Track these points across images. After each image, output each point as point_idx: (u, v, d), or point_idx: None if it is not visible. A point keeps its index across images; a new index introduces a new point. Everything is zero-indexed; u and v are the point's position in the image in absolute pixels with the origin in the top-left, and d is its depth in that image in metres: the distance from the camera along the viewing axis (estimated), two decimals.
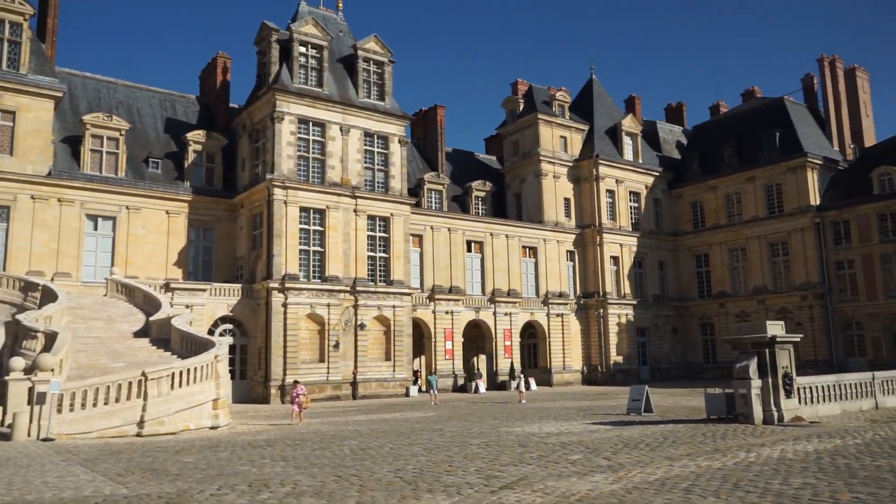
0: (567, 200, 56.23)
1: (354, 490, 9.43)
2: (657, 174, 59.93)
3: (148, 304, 33.94)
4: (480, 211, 53.89)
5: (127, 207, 40.37)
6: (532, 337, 53.71)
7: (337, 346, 40.76)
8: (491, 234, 51.72)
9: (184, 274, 41.44)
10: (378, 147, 44.93)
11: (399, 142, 45.69)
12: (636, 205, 58.55)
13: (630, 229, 57.19)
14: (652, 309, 56.83)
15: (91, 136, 40.43)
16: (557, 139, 56.57)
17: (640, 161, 59.15)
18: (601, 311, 54.30)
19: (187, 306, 36.52)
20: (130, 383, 19.33)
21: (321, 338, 40.72)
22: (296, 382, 25.63)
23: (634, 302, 55.73)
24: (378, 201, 43.82)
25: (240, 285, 40.59)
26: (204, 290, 38.97)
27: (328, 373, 40.30)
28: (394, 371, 42.77)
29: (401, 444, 15.39)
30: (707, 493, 8.60)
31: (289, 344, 39.12)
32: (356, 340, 41.65)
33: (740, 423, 17.23)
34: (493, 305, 50.37)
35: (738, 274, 55.82)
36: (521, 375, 40.50)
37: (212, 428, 21.02)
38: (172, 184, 42.58)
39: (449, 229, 49.72)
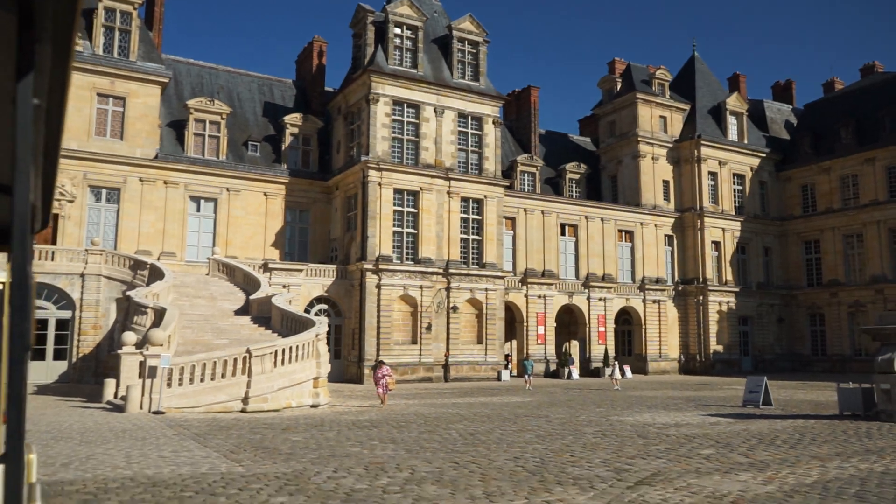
0: (666, 183, 53.97)
1: (476, 478, 8.84)
2: (763, 155, 56.68)
3: (247, 283, 34.64)
4: (574, 193, 52.44)
5: (227, 189, 41.31)
6: (627, 323, 52.02)
7: (429, 328, 40.56)
8: (585, 218, 50.25)
9: (280, 254, 42.15)
10: (472, 128, 44.24)
11: (493, 123, 44.84)
12: (740, 188, 55.59)
13: (733, 213, 54.36)
14: (755, 297, 53.96)
15: (194, 121, 41.50)
16: (657, 119, 54.28)
17: (746, 142, 56.07)
18: (701, 298, 51.96)
19: (284, 286, 37.08)
20: (236, 360, 19.50)
21: (413, 319, 40.61)
22: (380, 363, 24.29)
23: (737, 289, 53.04)
24: (471, 183, 43.18)
25: (334, 266, 40.95)
26: (300, 270, 39.50)
27: (420, 354, 40.17)
28: (486, 355, 42.23)
29: (509, 429, 14.76)
30: (885, 501, 7.53)
31: (382, 325, 39.19)
32: (448, 323, 41.32)
33: (883, 422, 15.67)
34: (586, 290, 49.01)
35: (853, 261, 52.18)
36: (616, 362, 39.17)
37: (312, 406, 21.03)
38: (270, 166, 43.30)
39: (542, 212, 48.60)
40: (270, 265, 38.78)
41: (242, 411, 19.09)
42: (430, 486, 8.32)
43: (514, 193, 47.38)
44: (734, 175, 55.22)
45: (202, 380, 19.03)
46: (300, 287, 38.86)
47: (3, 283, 4.45)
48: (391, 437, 13.38)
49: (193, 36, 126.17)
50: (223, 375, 19.24)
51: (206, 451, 11.03)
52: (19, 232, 1.46)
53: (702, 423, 15.93)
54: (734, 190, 55.10)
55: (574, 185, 52.93)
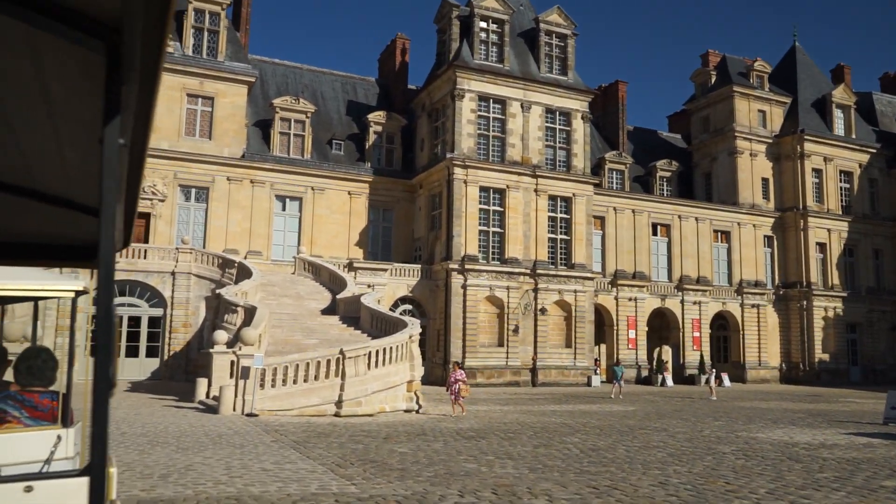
0: (765, 180, 50.81)
1: None
2: (874, 151, 52.68)
3: (333, 282, 34.13)
4: (665, 192, 49.99)
5: (312, 188, 41.06)
6: (723, 329, 49.20)
7: (516, 330, 39.17)
8: (679, 217, 47.78)
9: (364, 254, 41.61)
10: (560, 124, 42.62)
11: (582, 118, 43.09)
12: (847, 185, 51.82)
13: (840, 213, 50.69)
14: (865, 303, 50.12)
15: (280, 120, 41.44)
16: (755, 113, 51.19)
17: (853, 136, 52.25)
18: (804, 303, 48.61)
19: (369, 285, 36.40)
20: (329, 361, 18.69)
21: (500, 321, 39.32)
22: (455, 365, 21.48)
23: (844, 294, 49.39)
24: (559, 181, 41.57)
25: (419, 266, 40.11)
26: (385, 269, 38.84)
27: (507, 357, 38.83)
28: (574, 359, 40.52)
29: (633, 445, 13.27)
30: None
31: (468, 326, 38.05)
32: (536, 325, 39.83)
33: None
34: (680, 293, 46.56)
35: None
36: (714, 370, 36.81)
37: (406, 411, 20.03)
38: (354, 165, 42.85)
39: (633, 211, 46.47)
40: (355, 264, 38.27)
41: (336, 415, 18.25)
42: None
43: (604, 191, 45.47)
44: (841, 172, 51.52)
45: (295, 381, 18.29)
46: (385, 287, 38.16)
47: (75, 292, 4.75)
48: (504, 450, 12.13)
49: (278, 36, 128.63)
50: (316, 377, 18.45)
51: (310, 464, 10.06)
52: (105, 275, 1.44)
53: (851, 444, 14.00)
54: (841, 188, 51.41)
55: (665, 184, 50.47)
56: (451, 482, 8.87)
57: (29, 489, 3.06)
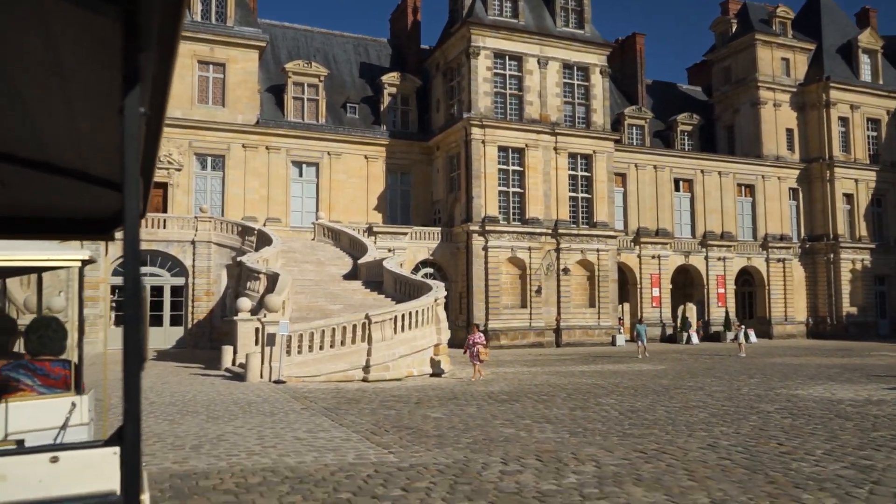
0: (790, 131, 49.52)
1: (683, 477, 7.13)
2: None
3: (353, 247, 33.83)
4: (687, 146, 48.91)
5: (328, 153, 40.54)
6: (748, 284, 48.51)
7: (539, 291, 38.79)
8: (701, 172, 46.80)
9: (383, 218, 41.20)
10: (578, 79, 41.60)
11: (600, 73, 42.02)
12: (875, 134, 50.41)
13: (867, 162, 49.40)
14: (894, 254, 49.11)
15: (293, 84, 40.75)
16: (778, 62, 49.67)
17: (881, 82, 50.64)
18: (831, 255, 47.70)
19: (389, 250, 36.03)
20: (355, 326, 18.43)
21: (522, 282, 38.93)
22: (475, 327, 20.82)
23: (872, 246, 48.38)
24: (579, 137, 40.72)
25: (439, 229, 39.68)
26: (405, 233, 38.46)
27: (530, 319, 38.52)
28: (598, 318, 40.14)
29: (672, 406, 12.91)
30: None
31: (490, 288, 37.71)
32: (559, 286, 39.41)
33: None
34: (704, 249, 45.83)
35: None
36: (742, 326, 36.28)
37: (433, 375, 19.79)
38: (370, 128, 42.21)
39: (654, 167, 45.55)
40: (375, 229, 37.90)
41: (364, 380, 18.04)
42: (633, 487, 6.67)
43: (624, 148, 44.52)
44: (868, 120, 50.07)
45: (321, 347, 18.07)
46: (405, 251, 37.80)
47: (82, 261, 4.80)
48: (540, 414, 11.82)
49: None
50: (342, 343, 18.22)
51: (344, 432, 9.79)
52: (130, 249, 1.45)
53: None
54: (868, 136, 50.02)
55: (686, 138, 49.35)
56: (491, 449, 8.55)
57: (55, 460, 3.03)
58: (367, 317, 18.42)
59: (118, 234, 2.89)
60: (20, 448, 3.64)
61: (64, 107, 1.89)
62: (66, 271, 29.89)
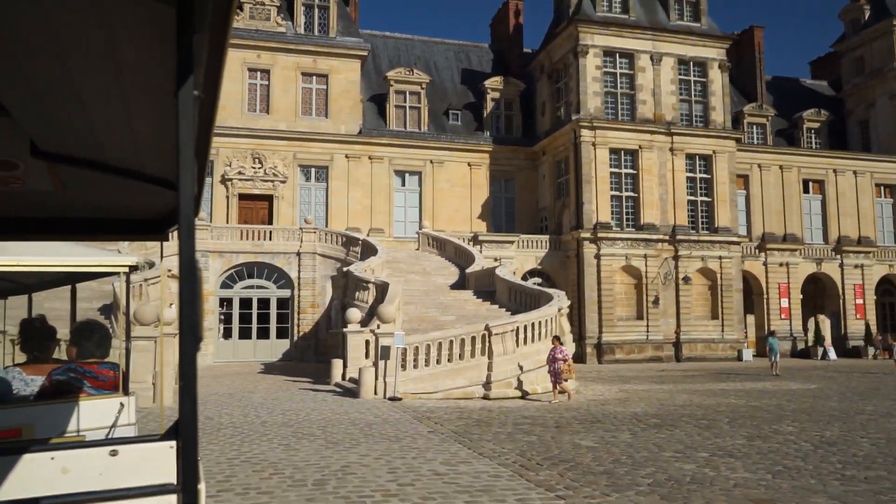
0: None
1: None
2: None
3: (459, 256, 32.51)
4: (814, 144, 44.93)
5: (431, 161, 39.51)
6: (889, 294, 43.88)
7: (656, 301, 36.16)
8: (833, 171, 42.79)
9: (487, 226, 39.72)
10: (695, 75, 38.87)
11: (719, 67, 39.13)
12: None
13: None
14: None
15: (394, 93, 40.07)
16: None
17: None
18: None
19: (495, 259, 34.45)
20: (474, 338, 16.89)
21: (638, 293, 36.44)
22: (554, 340, 17.13)
23: None
24: (697, 137, 37.95)
25: (547, 237, 37.83)
26: (511, 242, 36.85)
27: (647, 331, 35.94)
28: (722, 331, 37.05)
29: (871, 436, 10.62)
30: None
31: (603, 299, 35.44)
32: (678, 295, 36.64)
33: None
34: (838, 256, 41.79)
35: None
36: (893, 342, 32.46)
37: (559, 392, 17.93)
38: (472, 135, 40.95)
39: (780, 167, 41.98)
40: (480, 237, 36.48)
41: (485, 398, 16.45)
42: None
43: (745, 147, 41.23)
44: None
45: (438, 361, 16.62)
46: (512, 259, 36.11)
47: (129, 267, 5.14)
48: (714, 444, 9.83)
49: (387, 9, 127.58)
50: (461, 356, 16.70)
51: (487, 465, 8.18)
52: (186, 226, 1.49)
53: None
54: None
55: (813, 136, 45.37)
56: (684, 495, 6.72)
57: (114, 453, 3.16)
58: (487, 328, 16.84)
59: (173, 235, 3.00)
60: (81, 442, 3.69)
61: (121, 104, 1.88)
62: (176, 283, 30.08)
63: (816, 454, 9.05)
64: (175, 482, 2.38)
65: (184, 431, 1.58)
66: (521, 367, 16.93)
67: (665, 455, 8.92)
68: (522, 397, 16.83)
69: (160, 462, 3.05)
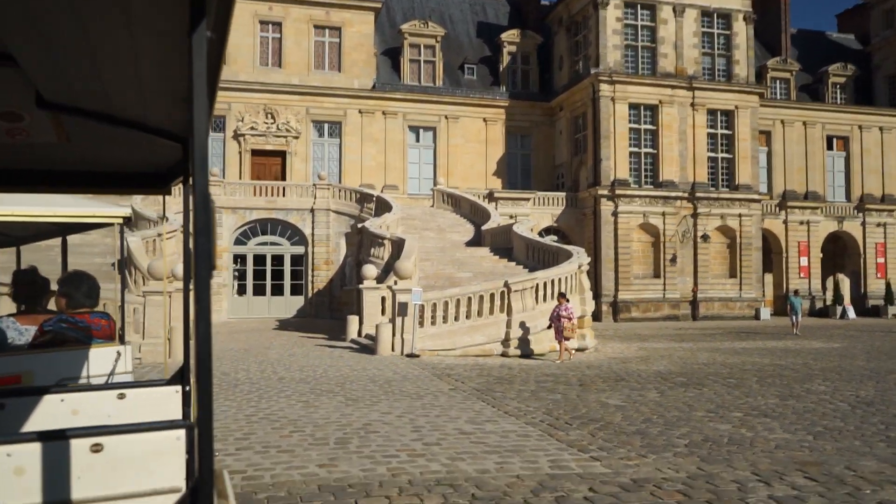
0: None
1: None
2: None
3: (475, 214, 32.06)
4: (840, 100, 43.70)
5: (445, 117, 38.80)
6: None
7: (674, 259, 35.69)
8: (859, 128, 41.75)
9: (503, 183, 39.14)
10: (718, 28, 37.70)
11: (744, 19, 37.93)
12: None
13: None
14: None
15: (409, 46, 39.18)
16: None
17: None
18: None
19: (511, 216, 33.95)
20: (493, 295, 16.56)
21: (655, 251, 35.97)
22: (560, 297, 16.23)
23: None
24: (719, 92, 36.96)
25: (563, 194, 37.26)
26: (527, 199, 36.34)
27: (664, 290, 35.56)
28: (740, 290, 36.62)
29: None
30: None
31: (620, 257, 35.01)
32: (696, 254, 36.15)
33: None
34: (861, 214, 41.03)
35: None
36: None
37: (578, 350, 17.67)
38: (488, 89, 40.09)
39: (804, 123, 40.98)
40: (496, 195, 35.99)
41: (503, 355, 16.20)
42: None
43: (769, 102, 40.17)
44: None
45: (456, 318, 16.33)
46: (528, 217, 35.51)
47: (123, 218, 5.19)
48: (746, 404, 9.50)
49: None
50: (479, 313, 16.40)
51: (514, 423, 7.89)
52: (199, 158, 1.50)
53: None
54: None
55: (838, 91, 44.11)
56: (724, 456, 6.40)
57: (122, 396, 3.23)
58: (506, 285, 16.49)
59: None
60: (89, 385, 3.72)
61: (129, 51, 1.85)
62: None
63: (855, 414, 8.70)
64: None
65: (199, 355, 1.51)
66: (525, 328, 16.59)
67: (697, 414, 8.60)
68: (543, 355, 16.55)
69: (166, 405, 3.21)
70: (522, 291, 16.49)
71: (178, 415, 3.19)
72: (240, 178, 34.17)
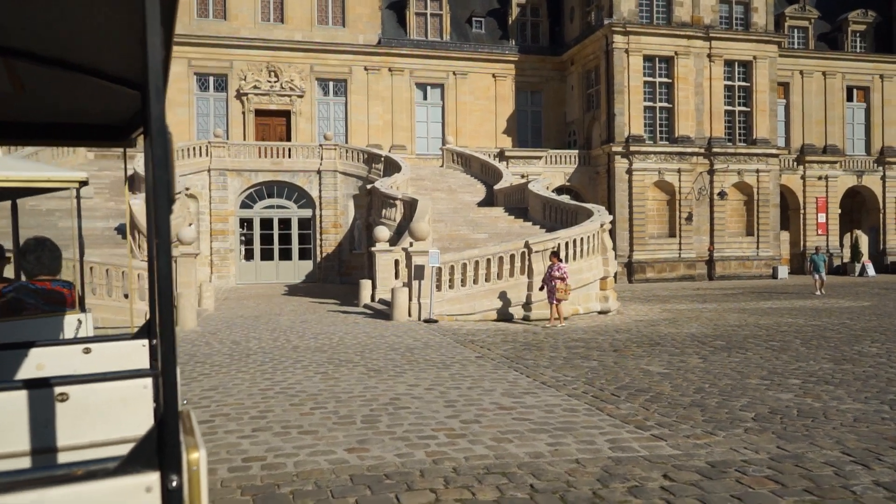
0: None
1: None
2: None
3: (486, 173, 31.18)
4: (860, 49, 42.18)
5: (454, 73, 37.59)
6: None
7: (689, 218, 34.80)
8: (880, 77, 40.39)
9: (513, 142, 38.11)
10: None
11: None
12: None
13: None
14: None
15: None
16: None
17: None
18: None
19: (522, 176, 33.05)
20: (513, 256, 15.80)
21: (671, 209, 35.06)
22: (552, 256, 14.95)
23: None
24: (737, 42, 35.61)
25: (576, 152, 36.25)
26: (539, 157, 35.38)
27: (680, 249, 34.75)
28: (757, 248, 35.78)
29: None
30: None
31: (635, 216, 34.14)
32: (712, 211, 35.24)
33: None
34: (881, 168, 39.95)
35: None
36: None
37: (601, 312, 17.00)
38: (497, 44, 38.77)
39: (823, 73, 39.63)
40: (507, 153, 35.05)
41: (525, 319, 15.51)
42: None
43: (787, 52, 38.76)
44: None
45: (475, 281, 15.60)
46: (539, 176, 34.57)
47: (79, 182, 5.12)
48: (799, 369, 8.80)
49: None
50: (499, 276, 15.67)
51: (556, 395, 7.20)
52: (155, 88, 1.46)
53: None
54: None
55: (858, 40, 42.51)
56: (802, 433, 5.69)
57: (87, 351, 3.22)
58: (527, 245, 15.72)
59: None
60: (55, 340, 3.69)
61: None
62: (194, 202, 29.03)
63: None
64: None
65: (164, 316, 1.47)
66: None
67: (752, 382, 7.90)
68: (566, 318, 15.86)
69: (134, 359, 3.20)
70: (544, 252, 15.72)
71: (144, 367, 3.15)
72: (244, 139, 33.24)
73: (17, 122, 3.16)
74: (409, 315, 15.17)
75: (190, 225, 21.29)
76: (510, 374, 8.45)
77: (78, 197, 5.22)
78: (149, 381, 2.54)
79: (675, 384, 7.82)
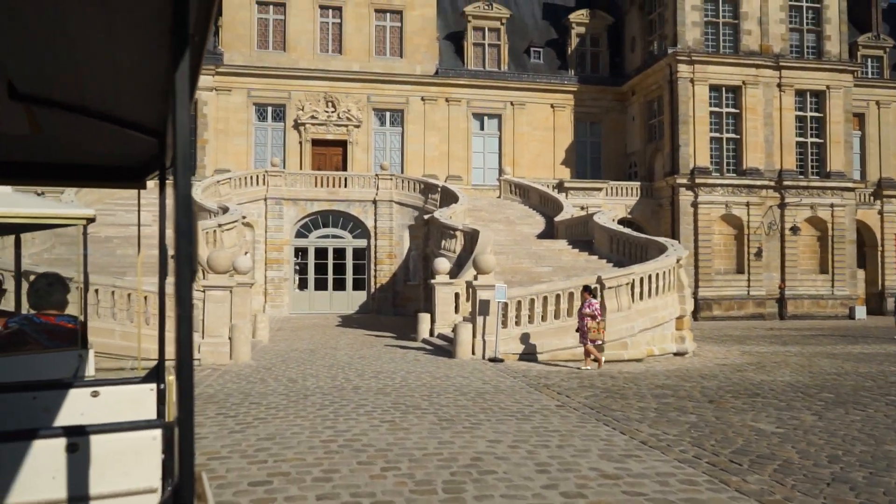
0: None
1: None
2: None
3: (545, 205, 30.30)
4: None
5: (511, 103, 36.99)
6: None
7: (759, 253, 33.13)
8: None
9: (571, 173, 37.14)
10: (807, 0, 34.80)
11: None
12: None
13: None
14: None
15: (472, 29, 37.48)
16: None
17: None
18: None
19: (582, 207, 32.02)
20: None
21: (738, 244, 33.48)
22: (584, 291, 13.76)
23: None
24: (809, 71, 34.15)
25: (638, 183, 35.06)
26: (599, 189, 34.28)
27: (749, 286, 33.05)
28: (832, 286, 33.80)
29: None
30: None
31: (700, 251, 32.65)
32: (783, 247, 33.50)
33: None
34: None
35: None
36: None
37: (677, 354, 15.79)
38: (555, 74, 38.10)
39: None
40: (566, 185, 34.06)
41: (595, 360, 14.40)
42: None
43: (861, 82, 37.07)
44: None
45: (543, 318, 14.62)
46: (600, 208, 33.50)
47: (87, 219, 5.15)
48: None
49: None
50: (569, 313, 14.65)
51: (664, 460, 6.18)
52: (181, 160, 1.48)
53: None
54: None
55: None
56: None
57: (95, 394, 3.16)
58: (599, 280, 14.69)
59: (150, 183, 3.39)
60: (63, 381, 3.59)
61: (107, 44, 1.82)
62: (250, 231, 28.79)
63: None
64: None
65: (182, 365, 1.47)
66: (637, 327, 14.76)
67: (892, 450, 6.73)
68: (640, 360, 14.72)
69: (141, 404, 3.16)
70: (618, 288, 14.67)
71: (152, 414, 3.12)
72: (300, 168, 33.12)
73: (33, 162, 3.17)
74: (473, 353, 14.24)
75: (246, 254, 20.89)
76: (601, 430, 7.44)
77: (85, 234, 5.26)
78: (158, 432, 2.49)
79: (801, 449, 6.71)
